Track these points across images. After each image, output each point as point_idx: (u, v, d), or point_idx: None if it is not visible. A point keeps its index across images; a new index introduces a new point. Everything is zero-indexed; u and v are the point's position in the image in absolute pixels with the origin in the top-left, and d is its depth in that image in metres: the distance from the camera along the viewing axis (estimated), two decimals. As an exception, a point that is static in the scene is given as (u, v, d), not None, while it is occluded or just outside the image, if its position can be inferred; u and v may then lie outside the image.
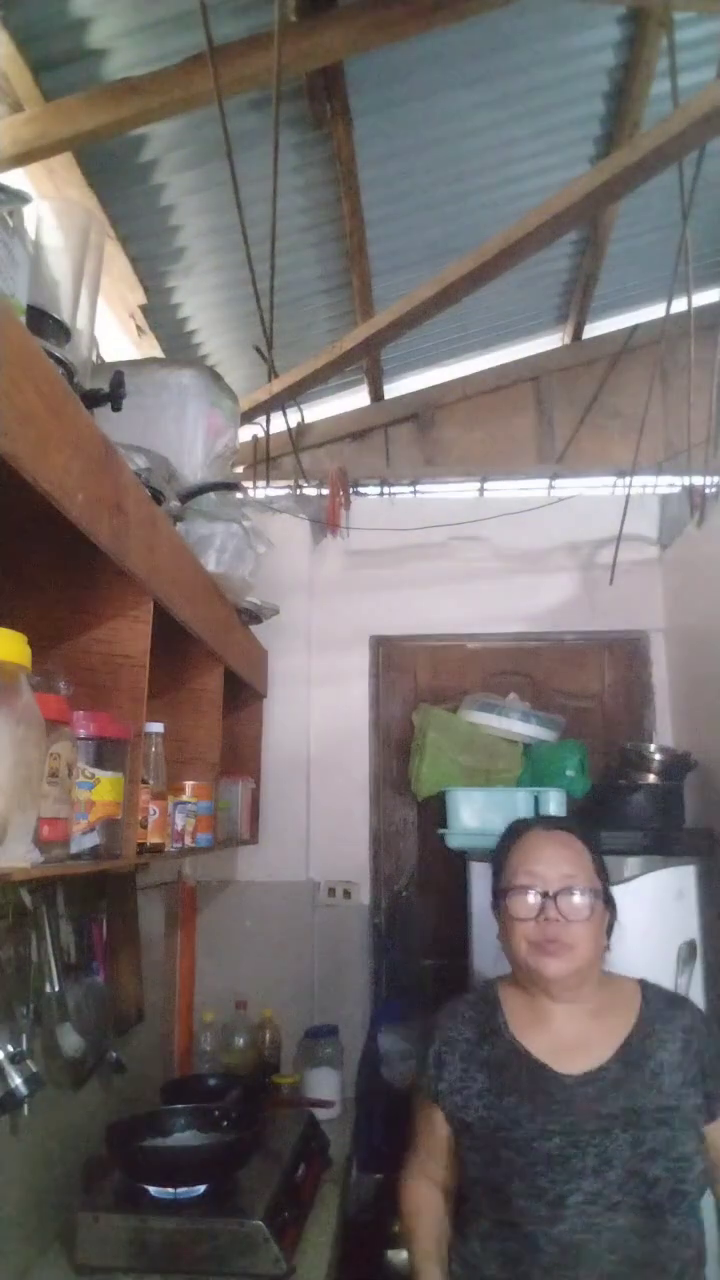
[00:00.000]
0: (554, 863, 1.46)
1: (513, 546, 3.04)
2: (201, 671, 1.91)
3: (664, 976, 2.07)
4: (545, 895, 1.43)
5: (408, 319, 2.53)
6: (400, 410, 3.95)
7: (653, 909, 2.12)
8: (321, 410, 3.87)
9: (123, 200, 2.39)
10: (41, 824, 0.97)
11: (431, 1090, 1.49)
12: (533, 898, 1.44)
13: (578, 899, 1.43)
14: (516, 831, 1.56)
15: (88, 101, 1.95)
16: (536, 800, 2.44)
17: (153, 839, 1.41)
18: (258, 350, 2.76)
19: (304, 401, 3.42)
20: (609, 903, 1.50)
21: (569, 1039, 1.44)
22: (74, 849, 1.10)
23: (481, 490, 3.37)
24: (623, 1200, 1.30)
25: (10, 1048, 1.39)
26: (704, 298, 3.20)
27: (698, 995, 2.10)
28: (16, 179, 2.04)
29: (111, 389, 1.24)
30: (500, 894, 1.49)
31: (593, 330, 3.88)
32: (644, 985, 1.53)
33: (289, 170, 2.44)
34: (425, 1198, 1.52)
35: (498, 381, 3.96)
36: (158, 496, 1.46)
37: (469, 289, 2.39)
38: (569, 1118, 1.35)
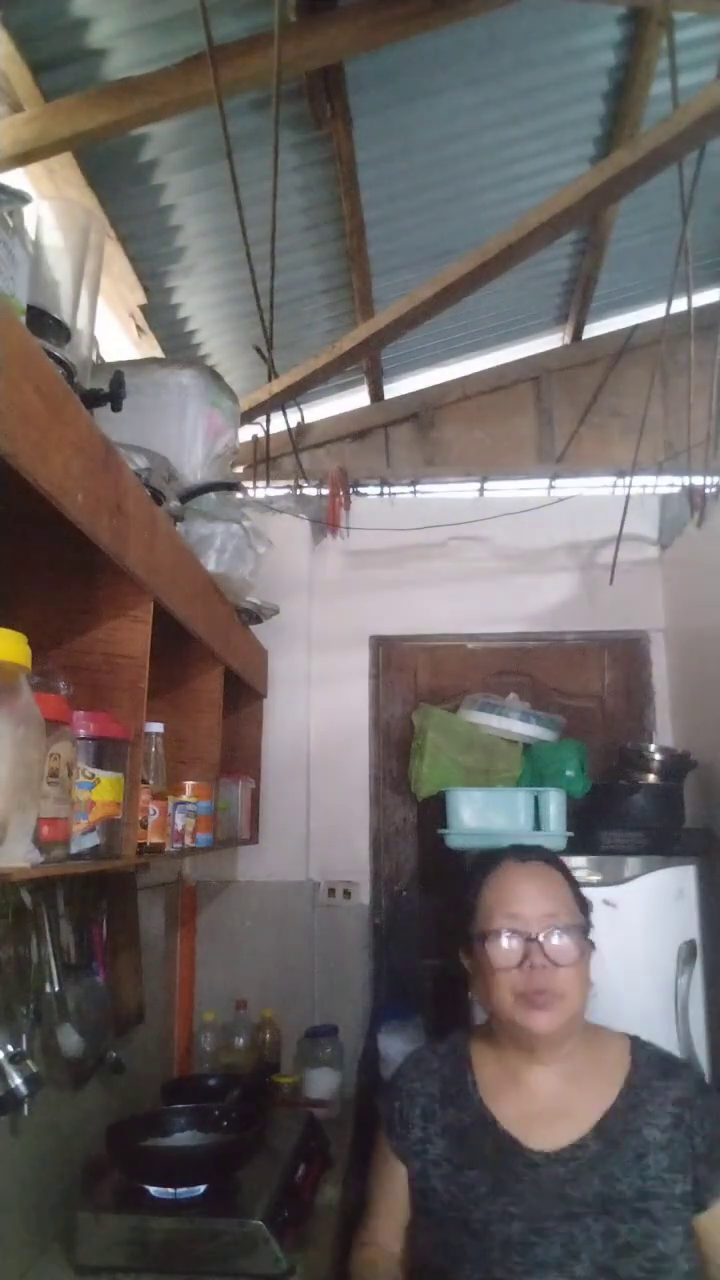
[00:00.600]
0: (535, 900, 1.29)
1: (513, 546, 3.04)
2: (201, 671, 1.91)
3: (664, 976, 2.08)
4: (529, 939, 1.26)
5: (408, 319, 2.53)
6: (400, 410, 3.95)
7: (653, 909, 2.12)
8: (321, 410, 3.87)
9: (123, 200, 2.39)
10: (41, 824, 0.97)
11: (397, 1148, 1.33)
12: (515, 943, 1.26)
13: (564, 940, 1.26)
14: (484, 867, 1.38)
15: (88, 101, 1.95)
16: (536, 800, 2.44)
17: (153, 839, 1.41)
18: (258, 350, 2.76)
19: (304, 401, 3.43)
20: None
21: (544, 1107, 1.27)
22: (74, 849, 1.10)
23: (481, 490, 3.37)
24: None
25: (10, 1048, 1.38)
26: (704, 298, 3.20)
27: (698, 995, 2.10)
28: (16, 179, 2.04)
29: (111, 389, 1.24)
30: (476, 940, 1.32)
31: (593, 330, 3.88)
32: (635, 1044, 1.34)
33: (289, 170, 2.44)
34: (379, 1272, 1.30)
35: (498, 381, 3.96)
36: (158, 496, 1.46)
37: (469, 289, 2.39)
38: (535, 1200, 1.18)
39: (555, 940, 1.26)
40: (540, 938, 1.26)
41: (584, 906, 1.34)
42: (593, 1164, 1.19)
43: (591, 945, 1.30)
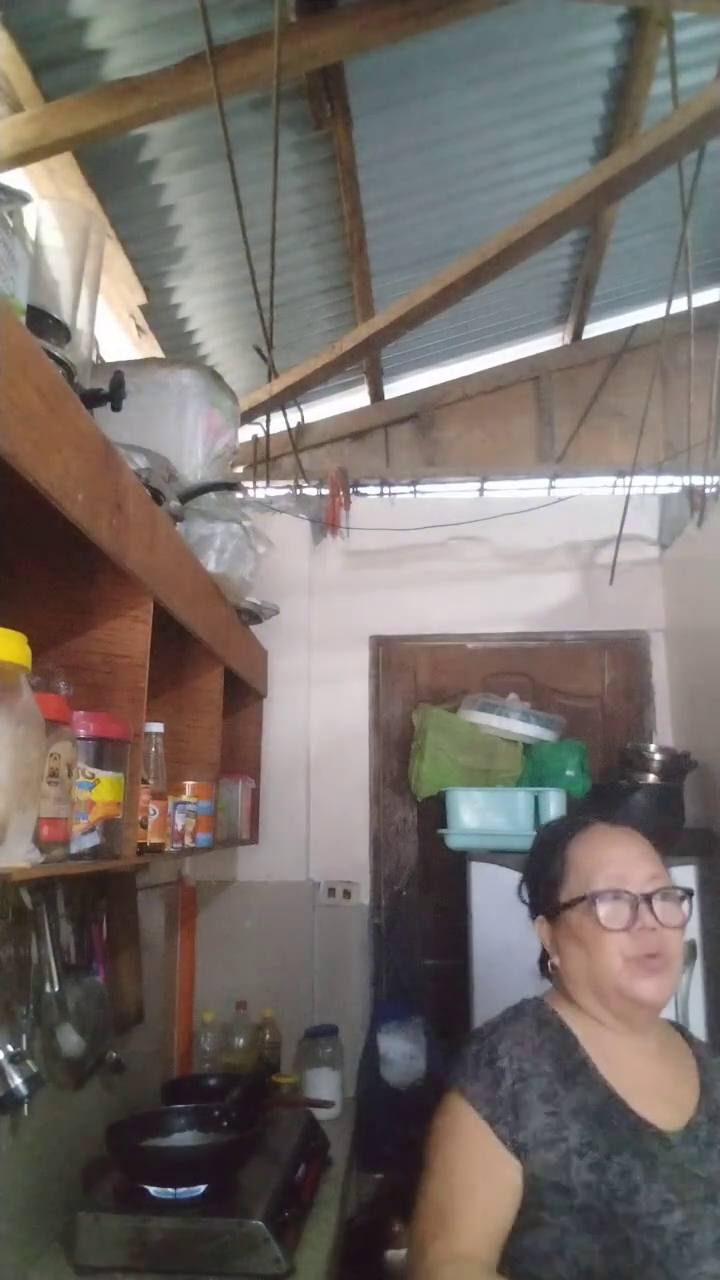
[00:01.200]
0: (637, 862, 1.21)
1: (513, 546, 3.04)
2: (201, 671, 1.91)
3: (664, 976, 2.08)
4: (637, 900, 1.17)
5: (408, 319, 2.53)
6: (400, 410, 3.95)
7: (653, 909, 2.12)
8: (321, 410, 3.87)
9: (123, 200, 2.39)
10: (41, 824, 0.97)
11: (512, 1139, 1.09)
12: (624, 904, 1.17)
13: (670, 901, 1.19)
14: (567, 832, 1.28)
15: (88, 101, 1.95)
16: (536, 800, 2.44)
17: (153, 839, 1.41)
18: (258, 350, 2.76)
19: (304, 401, 3.42)
20: None
21: (652, 1084, 1.17)
22: (74, 849, 1.10)
23: (481, 490, 3.38)
24: None
25: (10, 1048, 1.39)
26: (704, 298, 3.20)
27: (697, 995, 2.10)
28: (16, 179, 2.04)
29: (111, 389, 1.24)
30: (572, 905, 1.20)
31: (593, 330, 3.88)
32: (678, 1027, 1.32)
33: (289, 170, 2.44)
34: None
35: (498, 381, 3.96)
36: (158, 496, 1.46)
37: (469, 289, 2.39)
38: (681, 1184, 1.08)
39: (664, 901, 1.18)
40: (651, 897, 1.18)
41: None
42: (710, 1142, 1.13)
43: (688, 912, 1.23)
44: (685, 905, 1.21)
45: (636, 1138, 1.10)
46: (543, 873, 1.27)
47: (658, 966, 1.16)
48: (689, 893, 1.22)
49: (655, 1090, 1.16)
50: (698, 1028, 2.08)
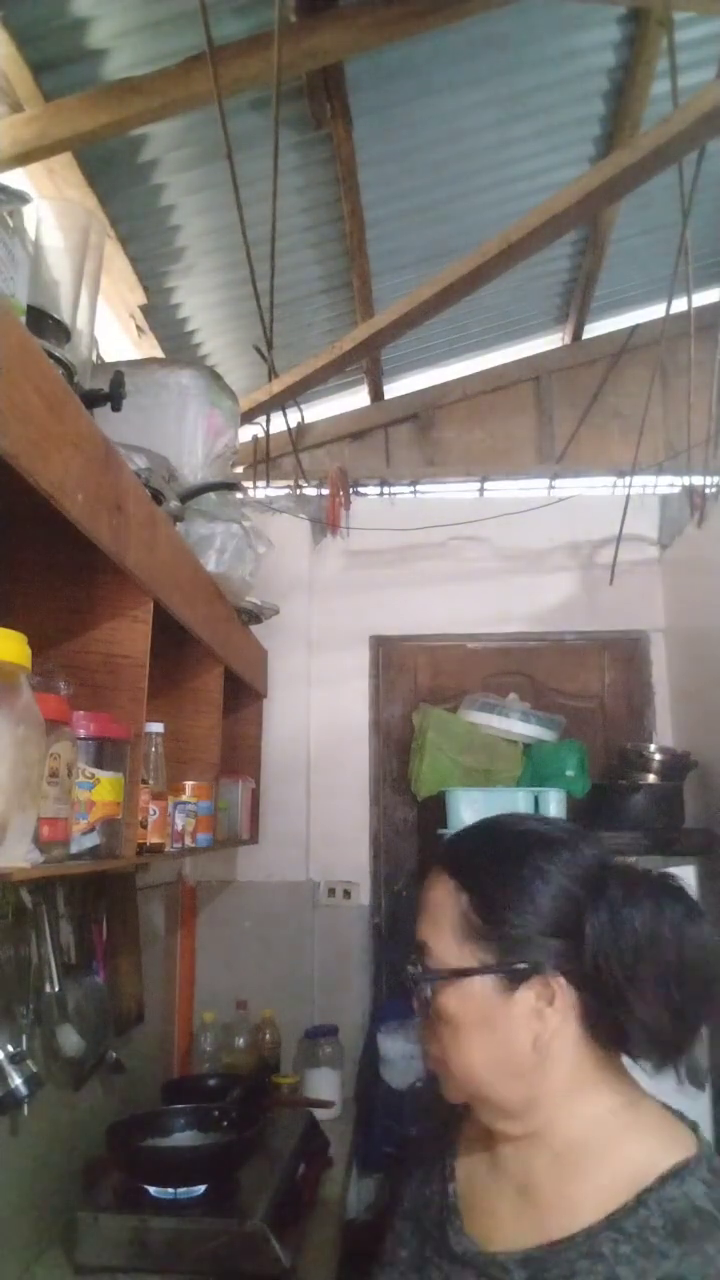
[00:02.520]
0: (418, 923, 0.89)
1: (513, 546, 3.04)
2: (201, 671, 1.91)
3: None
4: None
5: (408, 319, 2.53)
6: (400, 410, 3.95)
7: (653, 909, 2.12)
8: (321, 410, 3.87)
9: (123, 200, 2.39)
10: (41, 824, 0.97)
11: None
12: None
13: (420, 986, 0.86)
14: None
15: (88, 101, 1.95)
16: (536, 800, 2.44)
17: (153, 839, 1.41)
18: (258, 350, 2.76)
19: (304, 401, 3.42)
20: (519, 975, 0.81)
21: (491, 1200, 0.87)
22: (74, 849, 1.10)
23: (481, 490, 3.38)
24: None
25: (10, 1048, 1.38)
26: (704, 298, 3.20)
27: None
28: (16, 179, 2.04)
29: (111, 389, 1.24)
30: None
31: (593, 330, 3.88)
32: (658, 1186, 0.76)
33: (289, 170, 2.44)
34: None
35: (498, 381, 3.96)
36: (158, 496, 1.46)
37: (469, 289, 2.39)
38: None
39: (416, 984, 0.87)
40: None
41: (502, 930, 0.82)
42: None
43: (520, 984, 0.81)
44: (437, 992, 0.84)
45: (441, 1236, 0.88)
46: None
47: (429, 1062, 0.89)
48: (421, 976, 0.85)
49: (488, 1208, 0.87)
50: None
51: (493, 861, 0.86)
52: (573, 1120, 0.82)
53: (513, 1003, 0.81)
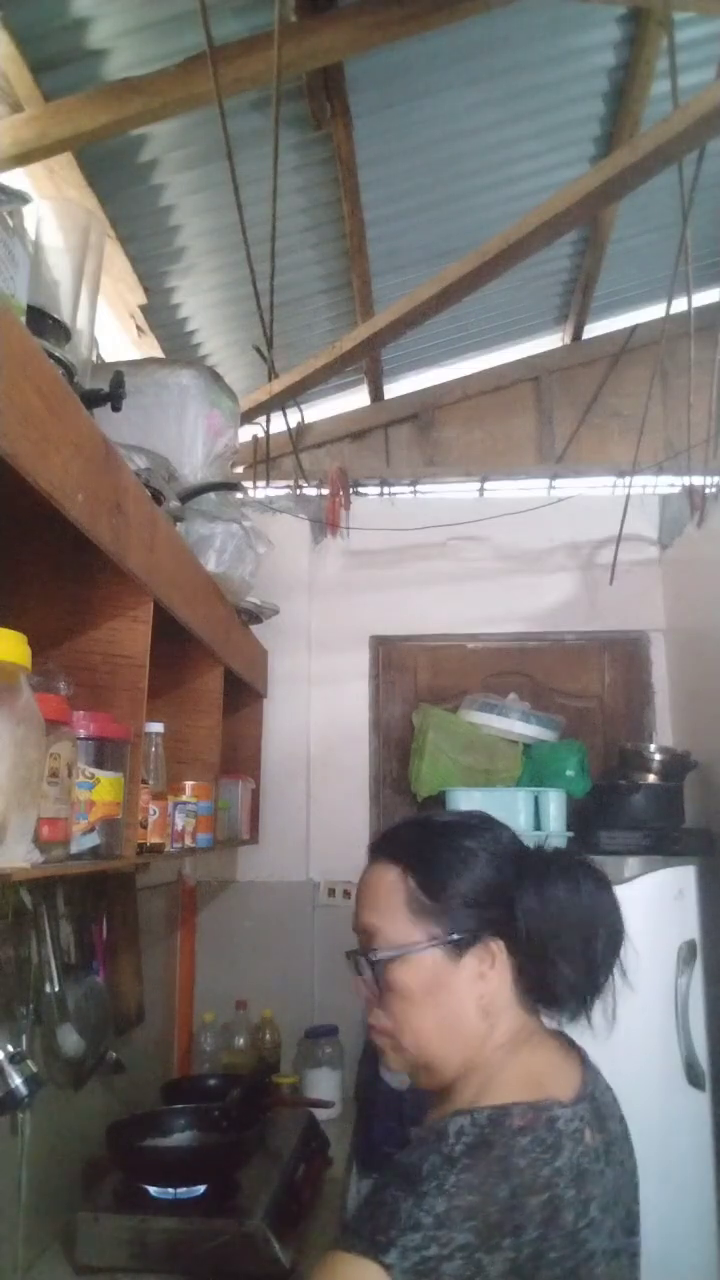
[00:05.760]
0: (359, 913, 1.01)
1: (513, 546, 3.04)
2: (201, 671, 1.91)
3: (664, 977, 2.08)
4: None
5: (408, 319, 2.53)
6: (400, 410, 3.95)
7: (653, 909, 2.12)
8: (321, 410, 3.87)
9: (123, 200, 2.39)
10: (41, 824, 0.97)
11: None
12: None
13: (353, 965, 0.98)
14: None
15: (88, 101, 1.95)
16: (536, 800, 2.45)
17: (153, 839, 1.41)
18: (258, 350, 2.76)
19: (304, 401, 3.42)
20: (464, 942, 0.93)
21: None
22: (74, 849, 1.10)
23: (481, 490, 3.37)
24: None
25: (10, 1048, 1.38)
26: (704, 298, 3.20)
27: (697, 996, 2.10)
28: (16, 179, 2.04)
29: (111, 389, 1.24)
30: None
31: (593, 330, 3.88)
32: (470, 1111, 0.86)
33: (289, 170, 2.44)
34: None
35: (498, 381, 3.96)
36: (158, 496, 1.46)
37: (469, 289, 2.39)
38: None
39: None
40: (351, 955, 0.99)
41: (439, 908, 0.94)
42: None
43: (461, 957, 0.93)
44: (367, 969, 0.95)
45: None
46: None
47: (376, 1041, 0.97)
48: (380, 957, 0.95)
49: None
50: (698, 1028, 2.08)
51: (430, 847, 0.99)
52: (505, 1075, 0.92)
53: (460, 968, 0.93)
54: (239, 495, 1.96)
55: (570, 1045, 0.98)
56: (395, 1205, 0.80)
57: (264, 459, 2.99)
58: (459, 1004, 0.93)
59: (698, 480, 2.78)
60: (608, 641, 3.00)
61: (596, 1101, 0.92)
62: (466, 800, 2.45)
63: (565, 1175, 0.82)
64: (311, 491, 3.24)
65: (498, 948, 0.94)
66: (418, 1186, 0.80)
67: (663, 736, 2.88)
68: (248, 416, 2.85)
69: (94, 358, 1.35)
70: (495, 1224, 0.78)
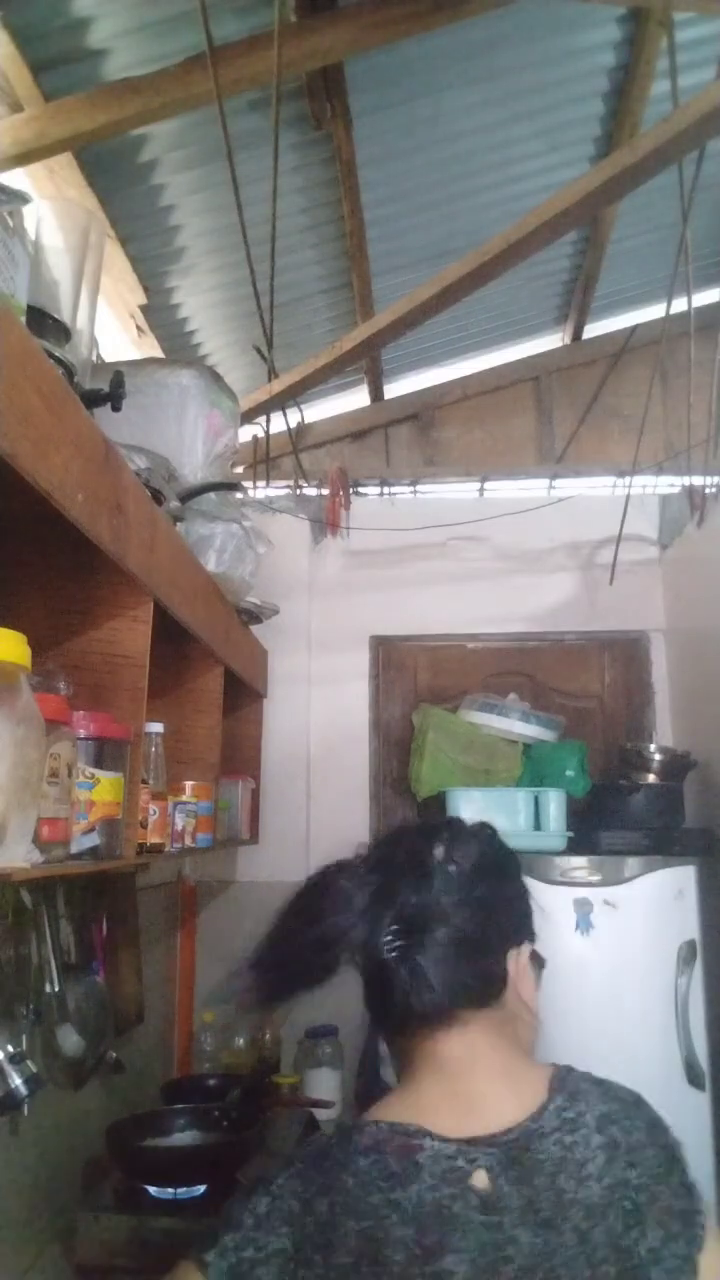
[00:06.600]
0: None
1: (513, 546, 3.03)
2: (201, 671, 1.91)
3: (664, 977, 2.08)
4: None
5: (408, 319, 2.52)
6: (400, 410, 3.95)
7: (652, 909, 2.13)
8: (321, 410, 3.87)
9: (123, 200, 2.39)
10: (41, 824, 0.97)
11: None
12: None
13: None
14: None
15: (88, 101, 1.95)
16: (536, 800, 2.44)
17: (153, 839, 1.41)
18: (258, 350, 2.76)
19: (304, 401, 3.42)
20: None
21: None
22: (74, 849, 1.10)
23: (481, 490, 3.37)
24: None
25: (10, 1048, 1.38)
26: (704, 298, 3.20)
27: (697, 995, 2.10)
28: (16, 179, 2.04)
29: (111, 389, 1.24)
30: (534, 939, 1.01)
31: (593, 330, 3.88)
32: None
33: (289, 170, 2.44)
34: None
35: (498, 381, 3.96)
36: (158, 496, 1.46)
37: (469, 289, 2.39)
38: None
39: None
40: None
41: None
42: None
43: None
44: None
45: None
46: (523, 896, 1.00)
47: None
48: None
49: None
50: (698, 1028, 2.08)
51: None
52: None
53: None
54: (239, 495, 1.96)
55: (542, 1087, 0.88)
56: (231, 1204, 0.81)
57: (264, 459, 2.99)
58: None
59: (698, 480, 2.78)
60: (608, 641, 3.00)
61: (526, 1153, 0.81)
62: (466, 800, 2.45)
63: (404, 1210, 0.76)
64: (311, 491, 3.24)
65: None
66: (255, 1185, 0.81)
67: (663, 736, 2.88)
68: (248, 416, 2.85)
69: (94, 358, 1.35)
70: (309, 1235, 0.77)
